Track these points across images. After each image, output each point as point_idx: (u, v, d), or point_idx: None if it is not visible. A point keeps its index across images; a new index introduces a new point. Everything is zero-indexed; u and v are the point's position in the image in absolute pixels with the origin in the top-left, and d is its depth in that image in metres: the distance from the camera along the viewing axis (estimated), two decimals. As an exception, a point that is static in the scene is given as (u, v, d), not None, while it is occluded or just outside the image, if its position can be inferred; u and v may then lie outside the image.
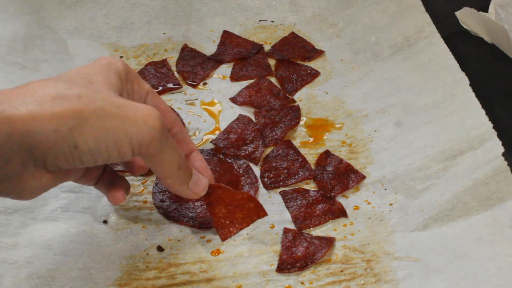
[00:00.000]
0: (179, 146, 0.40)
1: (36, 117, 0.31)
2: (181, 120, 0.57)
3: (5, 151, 0.31)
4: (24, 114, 0.31)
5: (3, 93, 0.32)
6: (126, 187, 0.43)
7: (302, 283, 0.45)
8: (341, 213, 0.50)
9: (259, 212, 0.46)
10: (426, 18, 0.63)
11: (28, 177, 0.33)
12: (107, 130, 0.33)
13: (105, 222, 0.48)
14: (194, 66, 0.64)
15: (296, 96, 0.61)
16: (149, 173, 0.52)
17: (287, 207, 0.50)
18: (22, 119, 0.31)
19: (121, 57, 0.64)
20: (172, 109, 0.57)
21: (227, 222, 0.46)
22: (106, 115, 0.33)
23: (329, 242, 0.47)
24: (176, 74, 0.63)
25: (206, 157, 0.53)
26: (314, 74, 0.63)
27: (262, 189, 0.52)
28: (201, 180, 0.42)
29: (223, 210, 0.45)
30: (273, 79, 0.63)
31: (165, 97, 0.60)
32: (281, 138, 0.56)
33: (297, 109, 0.59)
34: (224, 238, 0.46)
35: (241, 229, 0.46)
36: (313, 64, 0.65)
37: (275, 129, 0.57)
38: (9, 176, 0.33)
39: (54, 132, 0.32)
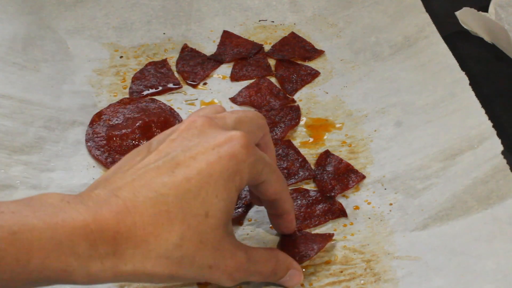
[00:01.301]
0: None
1: (139, 275, 0.33)
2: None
3: None
4: (129, 271, 0.33)
5: (121, 241, 0.32)
6: None
7: (302, 284, 0.45)
8: (341, 213, 0.50)
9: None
10: (426, 18, 0.63)
11: None
12: (192, 281, 0.41)
13: (105, 222, 0.48)
14: (194, 66, 0.64)
15: (296, 96, 0.61)
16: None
17: (287, 207, 0.50)
18: (126, 275, 0.33)
19: (121, 57, 0.64)
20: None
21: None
22: (196, 278, 0.36)
23: (326, 237, 0.47)
24: (176, 74, 0.63)
25: None
26: (314, 74, 0.63)
27: (262, 189, 0.52)
28: (293, 278, 0.42)
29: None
30: (273, 79, 0.63)
31: (165, 97, 0.60)
32: (281, 138, 0.56)
33: (297, 109, 0.59)
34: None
35: None
36: (313, 64, 0.65)
37: (275, 129, 0.57)
38: None
39: (147, 281, 0.35)
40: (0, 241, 0.28)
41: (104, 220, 0.31)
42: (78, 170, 0.52)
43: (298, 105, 0.59)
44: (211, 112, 0.39)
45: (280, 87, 0.62)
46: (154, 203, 0.32)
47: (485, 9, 0.66)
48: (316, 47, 0.67)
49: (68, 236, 0.29)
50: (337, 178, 0.52)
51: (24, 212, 0.29)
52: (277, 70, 0.64)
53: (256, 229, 0.49)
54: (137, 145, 0.53)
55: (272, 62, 0.65)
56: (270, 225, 0.49)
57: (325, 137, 0.57)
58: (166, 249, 0.33)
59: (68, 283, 0.31)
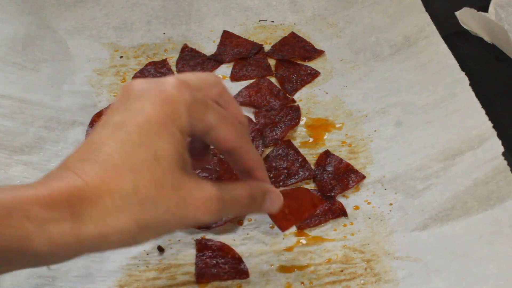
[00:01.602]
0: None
1: (102, 235, 0.32)
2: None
3: (67, 259, 0.32)
4: (92, 233, 0.31)
5: (75, 202, 0.32)
6: None
7: (302, 283, 0.45)
8: (341, 212, 0.50)
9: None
10: (426, 18, 0.63)
11: None
12: (168, 230, 0.35)
13: (105, 222, 0.48)
14: (194, 66, 0.64)
15: (296, 96, 0.61)
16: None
17: (287, 207, 0.50)
18: (90, 238, 0.31)
19: (121, 57, 0.64)
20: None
21: (288, 217, 0.46)
22: (169, 221, 0.34)
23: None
24: (176, 74, 0.63)
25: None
26: (314, 74, 0.63)
27: (262, 189, 0.52)
28: (274, 201, 0.40)
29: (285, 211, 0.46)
30: (273, 79, 0.63)
31: (165, 97, 0.60)
32: (281, 138, 0.56)
33: (297, 109, 0.59)
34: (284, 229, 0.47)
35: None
36: (313, 64, 0.65)
37: (275, 129, 0.57)
38: None
39: (119, 242, 0.33)
40: None
41: (56, 186, 0.31)
42: (78, 170, 0.52)
43: (298, 105, 0.59)
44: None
45: (280, 87, 0.62)
46: (100, 162, 0.33)
47: (485, 9, 0.66)
48: (316, 47, 0.67)
49: (19, 203, 0.30)
50: (337, 178, 0.52)
51: None
52: (277, 70, 0.64)
53: (256, 229, 0.49)
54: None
55: (272, 62, 0.65)
56: (270, 225, 0.49)
57: (325, 137, 0.57)
58: (123, 199, 0.32)
59: (31, 253, 0.30)
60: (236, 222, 0.49)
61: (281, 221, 0.48)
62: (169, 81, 0.35)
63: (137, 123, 0.34)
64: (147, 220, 0.33)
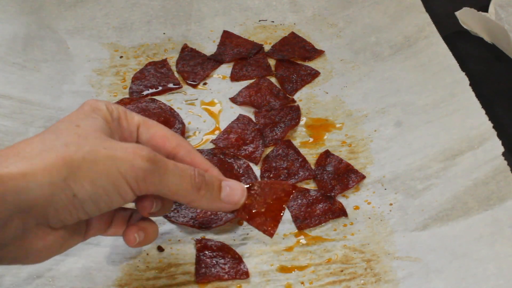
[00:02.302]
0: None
1: (27, 173, 0.31)
2: (182, 127, 0.56)
3: (0, 212, 0.30)
4: (14, 172, 0.30)
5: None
6: (144, 227, 0.39)
7: (302, 283, 0.45)
8: (342, 212, 0.50)
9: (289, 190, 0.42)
10: (426, 18, 0.63)
11: (32, 238, 0.33)
12: (101, 172, 0.33)
13: (105, 222, 0.48)
14: (194, 66, 0.64)
15: (296, 96, 0.61)
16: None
17: (287, 206, 0.50)
18: (13, 177, 0.30)
19: (121, 57, 0.64)
20: (184, 123, 0.56)
21: (268, 219, 0.43)
22: (97, 159, 0.33)
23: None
24: (176, 74, 0.63)
25: (206, 156, 0.53)
26: (314, 74, 0.63)
27: (262, 189, 0.52)
28: (234, 189, 0.40)
29: (261, 210, 0.42)
30: (273, 79, 0.63)
31: (165, 97, 0.60)
32: (281, 138, 0.56)
33: (297, 109, 0.59)
34: (272, 234, 0.42)
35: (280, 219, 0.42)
36: (313, 64, 0.65)
37: (275, 129, 0.57)
38: (11, 239, 0.32)
39: (49, 185, 0.31)
40: None
41: None
42: (78, 170, 0.52)
43: (298, 105, 0.59)
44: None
45: (280, 87, 0.62)
46: (24, 146, 0.33)
47: (485, 9, 0.66)
48: (316, 47, 0.67)
49: None
50: (337, 178, 0.52)
51: None
52: (277, 70, 0.64)
53: (256, 229, 0.49)
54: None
55: (272, 62, 0.65)
56: (270, 225, 0.49)
57: (325, 137, 0.57)
58: (45, 144, 0.33)
59: None
60: (236, 222, 0.49)
61: (263, 224, 0.44)
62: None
63: (63, 118, 0.36)
64: (72, 157, 0.32)
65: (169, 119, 0.56)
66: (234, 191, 0.39)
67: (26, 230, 0.32)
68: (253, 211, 0.41)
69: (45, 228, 0.33)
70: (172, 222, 0.49)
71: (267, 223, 0.41)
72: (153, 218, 0.40)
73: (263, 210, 0.41)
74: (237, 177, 0.52)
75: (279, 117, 0.58)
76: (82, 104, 0.37)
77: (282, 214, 0.41)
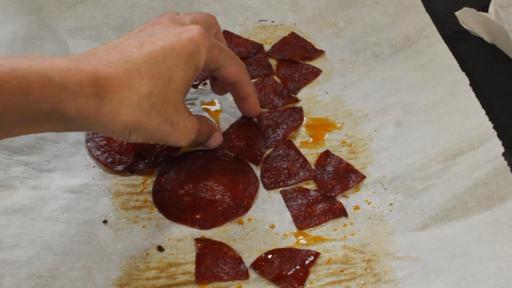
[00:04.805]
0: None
1: (113, 120, 0.40)
2: None
3: None
4: (107, 114, 0.40)
5: (101, 85, 0.39)
6: None
7: (302, 283, 0.45)
8: (342, 212, 0.50)
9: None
10: (426, 18, 0.63)
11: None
12: (152, 138, 0.44)
13: (105, 222, 0.48)
14: (194, 66, 0.63)
15: (297, 96, 0.61)
16: (149, 172, 0.52)
17: (288, 206, 0.50)
18: (104, 117, 0.40)
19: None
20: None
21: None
22: (158, 132, 0.43)
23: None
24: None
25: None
26: (316, 72, 0.63)
27: (262, 189, 0.52)
28: (215, 137, 0.52)
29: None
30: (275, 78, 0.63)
31: (165, 97, 0.60)
32: (283, 140, 0.56)
33: (300, 110, 0.58)
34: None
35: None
36: (313, 64, 0.65)
37: (277, 130, 0.57)
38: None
39: (117, 130, 0.41)
40: (3, 75, 0.33)
41: (85, 67, 0.37)
42: (78, 170, 0.52)
43: (301, 106, 0.59)
44: (172, 15, 0.49)
45: (283, 86, 0.62)
46: (126, 61, 0.40)
47: (485, 9, 0.66)
48: (316, 47, 0.67)
49: (58, 74, 0.36)
50: (337, 178, 0.52)
51: (18, 58, 0.35)
52: (278, 69, 0.64)
53: (256, 229, 0.49)
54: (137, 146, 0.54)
55: (272, 62, 0.65)
56: (271, 225, 0.49)
57: (325, 137, 0.57)
58: (138, 98, 0.40)
59: (60, 116, 0.37)
60: (236, 222, 0.49)
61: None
62: (195, 27, 0.44)
63: (162, 46, 0.42)
64: (147, 124, 0.41)
65: (169, 119, 0.56)
66: (216, 140, 0.53)
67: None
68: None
69: None
70: (172, 221, 0.49)
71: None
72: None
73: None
74: (237, 177, 0.52)
75: (282, 118, 0.58)
76: (182, 31, 0.44)
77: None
